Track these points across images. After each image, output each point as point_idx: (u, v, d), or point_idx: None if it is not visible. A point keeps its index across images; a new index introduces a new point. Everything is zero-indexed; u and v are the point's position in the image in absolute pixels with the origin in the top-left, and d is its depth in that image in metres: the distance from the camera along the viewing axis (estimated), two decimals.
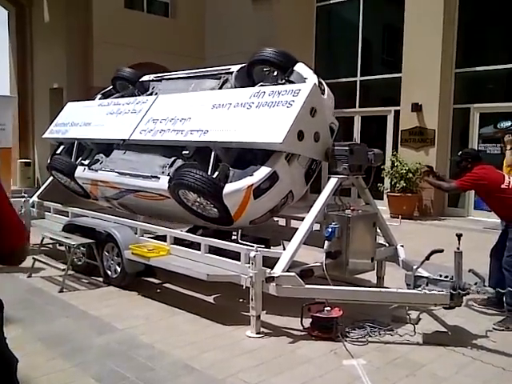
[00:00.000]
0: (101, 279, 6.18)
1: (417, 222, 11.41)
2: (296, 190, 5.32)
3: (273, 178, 4.95)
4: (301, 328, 4.66)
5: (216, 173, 5.23)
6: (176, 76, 6.99)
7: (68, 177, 7.18)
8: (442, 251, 4.50)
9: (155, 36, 15.49)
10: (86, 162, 7.07)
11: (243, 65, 6.03)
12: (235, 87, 6.00)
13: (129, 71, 7.53)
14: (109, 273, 6.07)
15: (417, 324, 4.77)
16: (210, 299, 5.67)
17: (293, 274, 4.50)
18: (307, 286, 4.50)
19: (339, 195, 5.18)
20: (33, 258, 6.41)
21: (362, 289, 4.69)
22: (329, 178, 5.10)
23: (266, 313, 4.99)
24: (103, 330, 4.64)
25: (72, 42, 15.02)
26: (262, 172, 4.92)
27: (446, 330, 4.63)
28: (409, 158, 12.05)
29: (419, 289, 4.47)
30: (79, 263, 6.52)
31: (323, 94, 5.38)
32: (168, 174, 5.66)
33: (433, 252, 4.55)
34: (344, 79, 14.14)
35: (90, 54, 14.97)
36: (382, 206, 12.09)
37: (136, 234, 5.99)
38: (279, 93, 5.05)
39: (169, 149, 5.94)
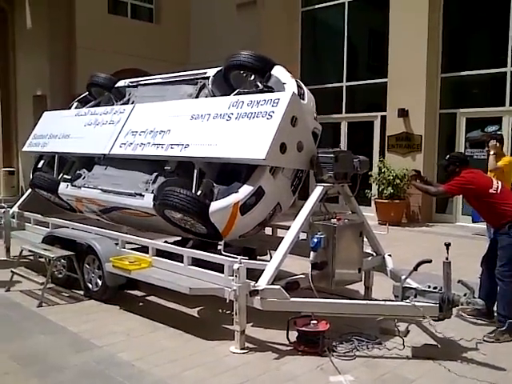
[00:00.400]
0: (82, 292, 6.00)
1: (405, 228, 11.32)
2: (283, 201, 5.21)
3: (259, 194, 4.83)
4: (287, 342, 4.52)
5: (200, 190, 5.11)
6: (152, 81, 6.82)
7: (52, 193, 7.03)
8: (429, 262, 4.39)
9: (140, 42, 15.33)
10: (69, 177, 6.93)
11: (219, 69, 5.87)
12: (213, 93, 5.86)
13: (104, 77, 7.34)
14: (90, 286, 5.89)
15: (405, 336, 4.66)
16: (194, 312, 5.50)
17: (278, 286, 4.36)
18: (293, 299, 4.36)
19: (324, 204, 5.05)
20: (11, 271, 6.21)
21: (348, 301, 4.56)
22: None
23: (252, 325, 4.86)
24: (81, 348, 4.46)
25: (55, 48, 14.79)
26: (248, 188, 4.80)
27: (435, 343, 4.53)
28: (396, 163, 11.98)
29: (407, 300, 4.35)
30: (60, 276, 6.33)
31: (303, 98, 5.23)
32: (152, 192, 5.53)
33: (421, 262, 4.44)
34: (330, 85, 14.08)
35: (73, 60, 14.76)
36: (370, 213, 12.04)
37: (117, 245, 5.82)
38: (258, 102, 4.91)
39: (151, 163, 5.78)
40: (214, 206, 4.89)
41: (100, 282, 5.71)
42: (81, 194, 6.55)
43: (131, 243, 6.02)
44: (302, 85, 5.40)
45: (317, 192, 4.90)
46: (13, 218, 7.70)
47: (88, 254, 5.86)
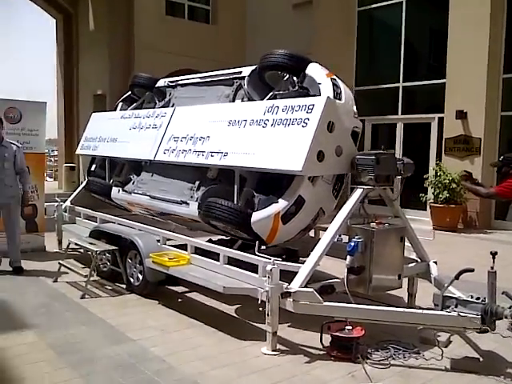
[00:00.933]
0: (124, 286, 6.13)
1: (460, 234, 10.89)
2: (326, 205, 5.11)
3: (299, 202, 4.79)
4: (320, 346, 4.42)
5: (241, 200, 5.16)
6: (190, 81, 6.85)
7: (106, 197, 7.32)
8: (472, 271, 4.17)
9: (196, 42, 15.58)
10: (120, 180, 7.22)
11: (254, 68, 5.81)
12: (249, 94, 5.81)
13: (145, 77, 7.52)
14: (131, 280, 6.01)
15: (446, 347, 4.43)
16: (232, 311, 5.49)
17: (311, 289, 4.26)
18: (326, 303, 4.25)
19: (364, 207, 4.91)
20: (59, 263, 6.44)
21: (383, 308, 4.39)
22: (353, 188, 4.84)
23: (289, 326, 4.82)
24: (116, 341, 4.55)
25: (115, 49, 15.29)
26: (287, 198, 4.77)
27: (477, 356, 4.29)
28: (453, 167, 11.52)
29: (447, 310, 4.16)
30: (105, 269, 6.50)
31: (340, 98, 5.02)
32: (196, 200, 5.63)
33: (463, 271, 4.22)
34: (386, 85, 13.76)
35: (131, 60, 15.20)
36: (425, 217, 11.68)
37: (159, 242, 5.91)
38: (293, 108, 4.80)
39: (194, 170, 5.87)
40: (256, 216, 4.89)
41: (141, 277, 5.82)
42: (131, 199, 6.79)
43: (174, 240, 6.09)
44: (340, 82, 5.20)
45: (356, 195, 4.76)
46: (65, 211, 7.99)
47: (130, 249, 5.98)
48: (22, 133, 7.74)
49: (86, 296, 5.79)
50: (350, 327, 4.32)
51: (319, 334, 4.43)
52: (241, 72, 5.99)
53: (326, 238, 4.59)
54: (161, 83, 7.32)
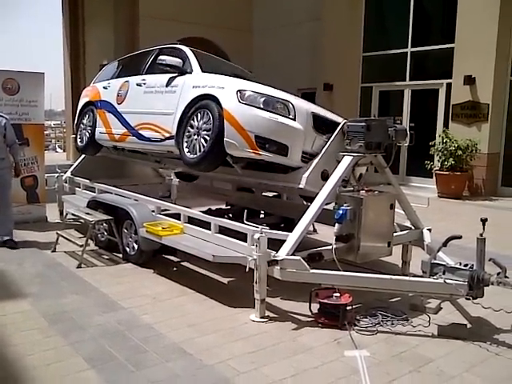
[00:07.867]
0: (121, 255, 6.19)
1: (465, 202, 10.80)
2: None
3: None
4: (309, 313, 4.45)
5: None
6: None
7: None
8: (459, 237, 4.14)
9: (202, 9, 15.35)
10: None
11: None
12: None
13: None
14: (127, 250, 6.06)
15: (435, 314, 4.45)
16: (225, 279, 5.52)
17: (298, 257, 4.27)
18: (313, 270, 4.26)
19: (354, 174, 4.87)
20: (56, 233, 6.50)
21: (369, 275, 4.36)
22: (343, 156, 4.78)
23: (281, 298, 4.86)
24: (108, 309, 4.61)
25: (119, 17, 15.15)
26: None
27: (465, 323, 4.28)
28: (460, 134, 11.35)
29: (435, 277, 4.14)
30: (102, 239, 6.56)
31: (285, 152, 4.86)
32: None
33: (450, 238, 4.19)
34: (394, 50, 13.46)
35: (136, 29, 15.02)
36: (431, 185, 11.59)
37: (154, 212, 5.94)
38: None
39: None
40: None
41: (136, 247, 5.86)
42: None
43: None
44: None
45: (345, 162, 4.70)
46: (66, 182, 8.04)
47: (126, 219, 6.01)
48: (20, 104, 7.73)
49: (83, 265, 5.85)
50: (338, 294, 4.33)
51: (307, 302, 4.45)
52: None
53: (314, 207, 4.57)
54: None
